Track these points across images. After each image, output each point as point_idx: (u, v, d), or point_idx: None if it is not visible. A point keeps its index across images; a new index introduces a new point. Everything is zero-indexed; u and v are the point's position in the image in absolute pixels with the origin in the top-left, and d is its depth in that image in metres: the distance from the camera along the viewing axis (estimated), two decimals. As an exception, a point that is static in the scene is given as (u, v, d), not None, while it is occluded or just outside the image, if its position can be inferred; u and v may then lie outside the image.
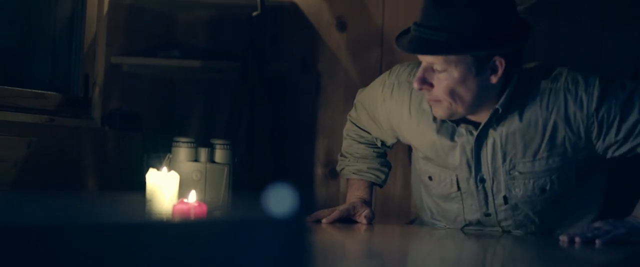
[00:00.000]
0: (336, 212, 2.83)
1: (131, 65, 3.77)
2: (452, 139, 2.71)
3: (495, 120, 2.64)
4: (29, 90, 3.33)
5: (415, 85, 2.58)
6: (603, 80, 2.64)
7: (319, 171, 3.83)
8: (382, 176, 3.05)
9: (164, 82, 4.04)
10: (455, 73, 2.53)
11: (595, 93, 2.60)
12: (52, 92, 3.44)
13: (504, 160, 2.68)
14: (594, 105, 2.60)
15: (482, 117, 2.66)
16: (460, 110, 2.60)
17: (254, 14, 3.60)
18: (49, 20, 3.59)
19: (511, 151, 2.67)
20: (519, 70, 2.66)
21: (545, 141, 2.64)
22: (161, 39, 3.97)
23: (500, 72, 2.55)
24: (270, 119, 3.71)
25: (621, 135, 2.63)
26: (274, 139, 3.75)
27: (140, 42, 3.85)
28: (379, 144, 3.04)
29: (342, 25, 3.80)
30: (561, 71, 2.68)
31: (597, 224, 2.50)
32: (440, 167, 2.80)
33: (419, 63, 2.62)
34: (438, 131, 2.73)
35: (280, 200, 1.26)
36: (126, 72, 3.77)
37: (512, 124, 2.65)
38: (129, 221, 1.19)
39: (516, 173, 2.69)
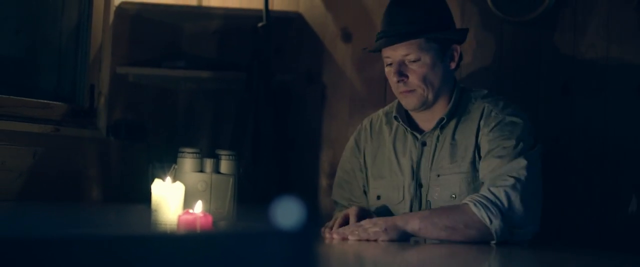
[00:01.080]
0: (339, 219, 2.91)
1: (136, 76, 3.78)
2: (403, 146, 3.07)
3: (440, 128, 2.99)
4: (34, 100, 3.33)
5: (395, 78, 2.96)
6: (517, 121, 2.91)
7: (323, 181, 3.83)
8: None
9: (169, 92, 4.05)
10: (427, 59, 2.93)
11: (500, 118, 2.92)
12: (57, 102, 3.44)
13: (437, 164, 2.97)
14: (491, 126, 2.91)
15: (428, 125, 3.04)
16: (430, 96, 2.97)
17: (260, 25, 3.61)
18: (55, 30, 3.59)
19: (441, 156, 2.97)
20: (458, 83, 3.07)
21: (465, 147, 2.94)
22: (167, 49, 3.98)
23: (456, 58, 3.00)
24: (275, 130, 3.71)
25: (483, 164, 2.88)
26: (278, 149, 3.75)
27: (146, 53, 3.86)
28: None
29: (347, 37, 3.81)
30: (499, 97, 3.04)
31: (362, 222, 2.78)
32: (388, 181, 3.09)
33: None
34: (394, 141, 3.11)
35: (285, 212, 1.26)
36: (131, 83, 3.78)
37: (449, 133, 2.99)
38: (135, 232, 1.19)
39: (436, 176, 2.96)
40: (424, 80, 2.94)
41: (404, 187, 3.04)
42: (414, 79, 2.94)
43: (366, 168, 3.17)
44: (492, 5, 3.51)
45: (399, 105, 3.08)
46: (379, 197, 3.10)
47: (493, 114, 2.93)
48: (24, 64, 3.53)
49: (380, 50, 3.02)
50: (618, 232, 3.32)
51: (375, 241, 2.72)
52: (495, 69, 3.54)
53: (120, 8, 3.70)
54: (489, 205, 2.71)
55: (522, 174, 2.76)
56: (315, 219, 3.00)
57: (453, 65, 2.99)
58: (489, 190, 2.74)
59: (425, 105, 2.99)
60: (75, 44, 3.62)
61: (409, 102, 2.99)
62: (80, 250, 1.08)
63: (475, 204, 2.71)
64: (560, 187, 3.36)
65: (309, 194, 3.80)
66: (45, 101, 3.39)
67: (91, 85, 3.59)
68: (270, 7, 3.68)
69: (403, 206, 3.02)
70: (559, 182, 3.34)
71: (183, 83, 4.00)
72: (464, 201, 2.77)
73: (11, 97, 3.23)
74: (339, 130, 3.81)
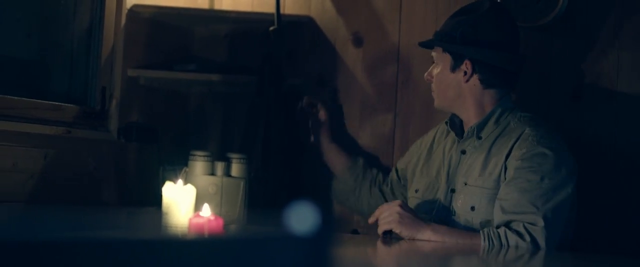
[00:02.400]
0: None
1: (148, 79, 3.78)
2: (449, 151, 3.19)
3: (477, 136, 3.09)
4: (46, 102, 3.34)
5: (426, 75, 3.21)
6: (549, 154, 2.92)
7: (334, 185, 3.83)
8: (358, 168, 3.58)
9: (180, 95, 4.06)
10: (440, 66, 3.14)
11: (533, 146, 2.93)
12: (69, 105, 3.45)
13: (468, 172, 3.05)
14: (522, 152, 2.93)
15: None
16: (442, 101, 3.18)
17: (271, 28, 3.61)
18: (67, 32, 3.60)
19: (474, 165, 3.04)
20: (507, 103, 3.12)
21: (495, 163, 2.99)
22: (178, 52, 3.99)
23: (468, 74, 3.08)
24: (286, 134, 3.71)
25: (504, 191, 2.91)
26: (289, 153, 3.75)
27: (158, 56, 3.87)
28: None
29: (358, 41, 3.81)
30: (542, 122, 3.09)
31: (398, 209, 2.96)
32: (430, 180, 3.21)
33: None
34: (445, 145, 3.24)
35: (297, 216, 1.26)
36: (143, 85, 3.78)
37: (487, 145, 3.05)
38: (145, 236, 1.19)
39: (463, 185, 3.04)
40: (438, 84, 3.16)
41: (439, 188, 3.15)
42: (434, 81, 3.18)
43: (423, 156, 3.33)
44: (504, 11, 3.51)
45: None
46: (417, 191, 3.24)
47: (529, 139, 2.95)
48: (36, 66, 3.54)
49: (424, 47, 3.27)
50: (629, 239, 3.32)
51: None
52: (506, 74, 3.53)
53: (132, 11, 3.71)
54: (496, 244, 2.80)
55: (540, 223, 2.80)
56: (327, 224, 3.01)
57: (464, 79, 3.10)
58: (505, 231, 2.81)
59: (443, 107, 3.22)
60: (87, 47, 3.62)
61: (435, 103, 3.24)
62: (89, 253, 1.08)
63: (485, 239, 2.82)
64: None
65: (320, 198, 3.80)
66: (57, 103, 3.39)
67: (103, 87, 3.60)
68: (281, 12, 3.68)
69: (436, 206, 3.12)
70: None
71: (194, 86, 4.01)
72: (481, 231, 2.85)
73: (23, 98, 3.23)
74: (350, 135, 3.81)
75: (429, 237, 2.90)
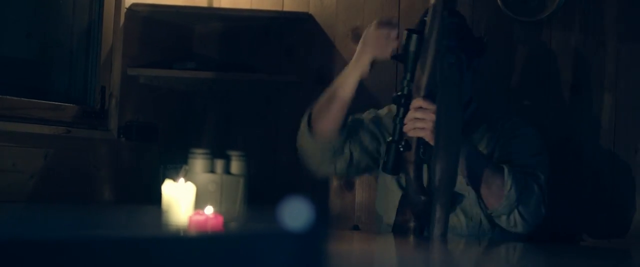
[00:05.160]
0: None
1: (147, 77, 3.78)
2: None
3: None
4: (46, 102, 3.34)
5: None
6: (532, 131, 3.03)
7: (334, 182, 3.82)
8: None
9: (180, 93, 4.06)
10: None
11: (519, 126, 3.03)
12: (68, 104, 3.45)
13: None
14: (511, 135, 3.00)
15: None
16: None
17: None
18: (66, 32, 3.60)
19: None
20: (481, 102, 3.12)
21: (484, 141, 3.01)
22: (177, 50, 3.98)
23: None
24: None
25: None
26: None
27: (157, 54, 3.86)
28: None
29: (357, 37, 3.80)
30: (513, 117, 3.13)
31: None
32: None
33: None
34: None
35: (295, 213, 1.26)
36: (142, 84, 3.78)
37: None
38: (146, 233, 1.19)
39: None
40: None
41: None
42: None
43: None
44: (503, 5, 3.51)
45: None
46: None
47: (517, 122, 3.05)
48: (36, 66, 3.54)
49: None
50: (629, 232, 3.32)
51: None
52: (505, 68, 3.53)
53: (130, 10, 3.71)
54: (519, 180, 2.81)
55: (543, 180, 2.87)
56: (325, 220, 3.00)
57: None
58: (524, 172, 2.84)
59: None
60: (86, 46, 3.63)
61: None
62: (90, 252, 1.08)
63: (508, 174, 2.79)
64: (570, 187, 3.35)
65: (319, 194, 3.79)
66: (57, 103, 3.40)
67: (102, 86, 3.60)
68: (281, 8, 3.68)
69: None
70: (569, 182, 3.34)
71: (194, 84, 4.01)
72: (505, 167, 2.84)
73: (22, 99, 3.24)
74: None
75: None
